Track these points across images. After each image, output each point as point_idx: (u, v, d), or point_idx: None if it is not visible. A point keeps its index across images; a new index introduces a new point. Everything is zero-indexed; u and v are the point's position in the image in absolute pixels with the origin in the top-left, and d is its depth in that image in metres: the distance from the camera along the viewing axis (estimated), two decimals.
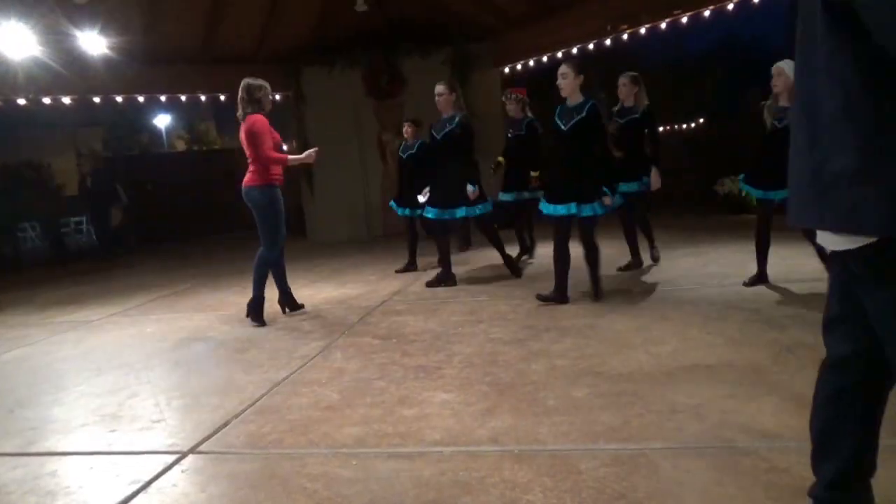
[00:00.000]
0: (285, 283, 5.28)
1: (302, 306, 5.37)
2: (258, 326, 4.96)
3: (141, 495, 2.42)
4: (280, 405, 3.23)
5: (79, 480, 2.59)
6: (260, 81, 4.88)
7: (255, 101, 4.82)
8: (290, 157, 5.06)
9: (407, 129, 6.83)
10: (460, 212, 5.67)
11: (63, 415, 3.38)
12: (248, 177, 4.88)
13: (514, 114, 6.61)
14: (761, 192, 4.73)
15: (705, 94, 17.15)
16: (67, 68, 8.02)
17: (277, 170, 4.93)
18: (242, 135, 4.87)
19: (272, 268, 5.11)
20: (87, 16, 7.84)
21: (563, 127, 4.51)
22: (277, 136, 5.00)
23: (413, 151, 6.68)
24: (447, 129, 5.61)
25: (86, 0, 7.65)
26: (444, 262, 5.90)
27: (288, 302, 5.31)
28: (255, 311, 5.03)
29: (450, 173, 5.63)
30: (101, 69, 8.33)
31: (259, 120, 4.78)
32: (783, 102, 4.44)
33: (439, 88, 5.68)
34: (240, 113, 4.88)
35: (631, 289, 5.10)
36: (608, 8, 8.20)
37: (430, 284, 5.87)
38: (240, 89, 4.85)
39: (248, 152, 4.86)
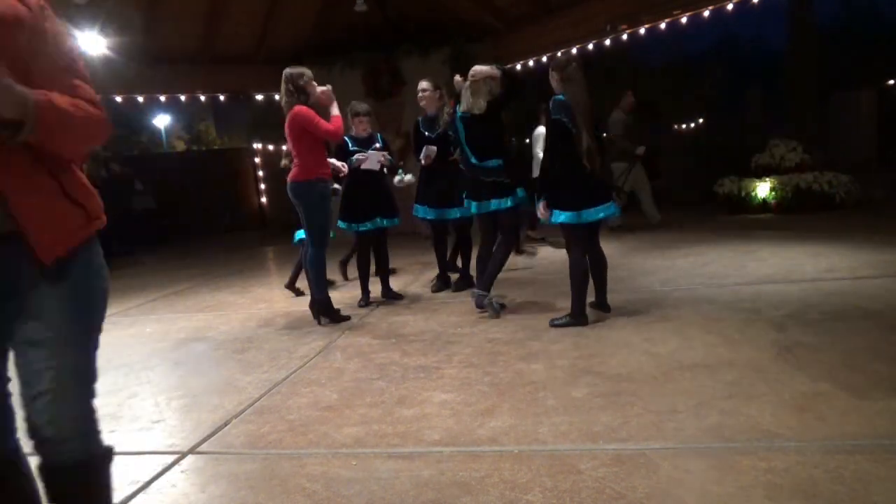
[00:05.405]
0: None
1: (343, 317, 4.95)
2: (345, 320, 4.85)
3: (140, 495, 2.42)
4: (279, 405, 3.23)
5: None
6: (301, 69, 4.62)
7: (300, 91, 4.55)
8: (335, 117, 4.64)
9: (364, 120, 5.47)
10: (453, 213, 5.56)
11: None
12: (293, 171, 4.67)
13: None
14: None
15: (705, 95, 17.20)
16: None
17: (326, 166, 4.75)
18: (287, 129, 4.61)
19: (319, 268, 4.85)
20: (87, 16, 7.85)
21: None
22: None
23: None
24: (440, 129, 5.49)
25: (86, 0, 7.65)
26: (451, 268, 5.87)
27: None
28: (328, 313, 4.85)
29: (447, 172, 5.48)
30: (101, 69, 8.34)
31: (302, 110, 4.51)
32: None
33: (423, 85, 5.52)
34: (284, 104, 4.63)
35: (630, 289, 5.09)
36: (608, 8, 8.21)
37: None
38: (282, 82, 4.58)
39: (293, 146, 4.62)
